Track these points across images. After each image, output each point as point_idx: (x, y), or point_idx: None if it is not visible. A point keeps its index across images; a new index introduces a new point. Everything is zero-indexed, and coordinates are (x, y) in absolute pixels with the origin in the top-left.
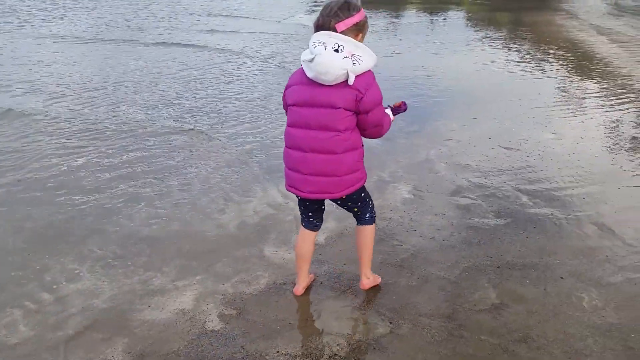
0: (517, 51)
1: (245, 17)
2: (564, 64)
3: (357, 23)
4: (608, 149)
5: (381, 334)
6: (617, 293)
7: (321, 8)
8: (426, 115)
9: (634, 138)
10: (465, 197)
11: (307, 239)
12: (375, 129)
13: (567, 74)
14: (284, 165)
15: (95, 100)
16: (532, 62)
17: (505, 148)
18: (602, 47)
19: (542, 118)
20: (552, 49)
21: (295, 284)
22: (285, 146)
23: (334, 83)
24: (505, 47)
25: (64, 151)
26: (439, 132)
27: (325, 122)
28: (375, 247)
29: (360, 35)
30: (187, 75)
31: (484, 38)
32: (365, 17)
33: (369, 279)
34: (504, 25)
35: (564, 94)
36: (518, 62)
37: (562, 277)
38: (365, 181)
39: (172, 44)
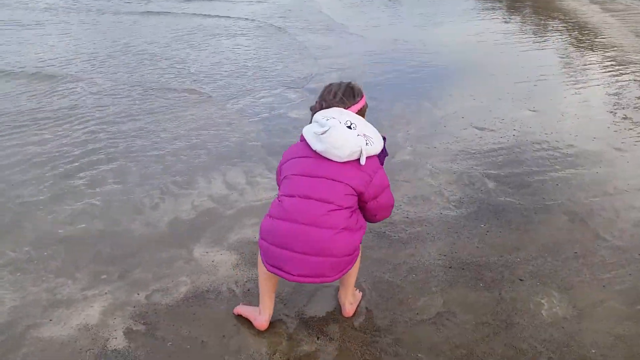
0: (505, 22)
1: None
2: (553, 35)
3: (360, 109)
4: (590, 127)
5: (305, 352)
6: (581, 297)
7: (321, 91)
8: (399, 92)
9: (620, 115)
10: (427, 184)
11: None
12: (389, 210)
13: (554, 45)
14: (258, 238)
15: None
16: (520, 33)
17: (478, 128)
18: (594, 16)
19: (522, 94)
20: (541, 19)
21: (257, 314)
22: (271, 217)
23: (346, 160)
24: (494, 18)
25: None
26: (410, 111)
27: (328, 194)
28: None
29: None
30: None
31: (472, 9)
32: (366, 102)
33: (352, 304)
34: None
35: (548, 67)
36: (505, 34)
37: (521, 279)
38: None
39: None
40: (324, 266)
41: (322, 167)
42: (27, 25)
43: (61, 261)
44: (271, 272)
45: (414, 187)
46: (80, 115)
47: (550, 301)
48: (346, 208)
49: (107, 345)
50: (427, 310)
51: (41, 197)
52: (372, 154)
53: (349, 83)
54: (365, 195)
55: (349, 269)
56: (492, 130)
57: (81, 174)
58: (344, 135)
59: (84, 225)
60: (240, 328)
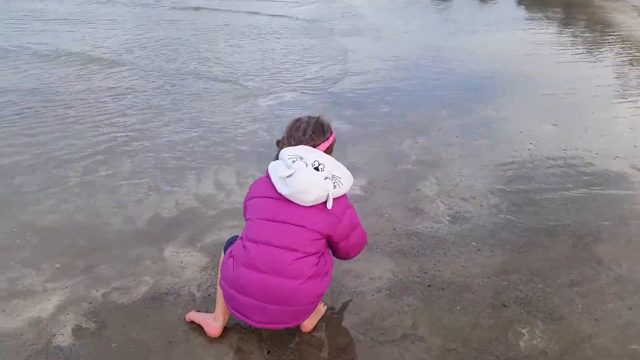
0: (542, 33)
1: None
2: (591, 47)
3: (329, 146)
4: (614, 146)
5: None
6: (568, 330)
7: (289, 126)
8: (417, 99)
9: None
10: (423, 196)
11: None
12: (361, 246)
13: (591, 58)
14: (219, 276)
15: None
16: (556, 44)
17: (491, 140)
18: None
19: (546, 107)
20: (582, 31)
21: (212, 319)
22: (234, 260)
23: (311, 204)
24: (531, 28)
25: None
26: (424, 120)
27: (293, 241)
28: None
29: (332, 156)
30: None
31: (512, 19)
32: (335, 137)
33: (311, 319)
34: (536, 5)
35: (581, 80)
36: (540, 44)
37: (505, 305)
38: None
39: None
40: (287, 314)
41: (287, 211)
42: (70, 14)
43: (32, 251)
44: (231, 313)
45: (410, 198)
46: (93, 103)
47: (531, 332)
48: (313, 254)
49: (52, 341)
50: (393, 331)
51: (31, 185)
52: (339, 196)
53: (318, 119)
54: (334, 237)
55: (313, 311)
56: (507, 143)
57: (75, 164)
58: (310, 179)
59: (64, 216)
60: (190, 335)
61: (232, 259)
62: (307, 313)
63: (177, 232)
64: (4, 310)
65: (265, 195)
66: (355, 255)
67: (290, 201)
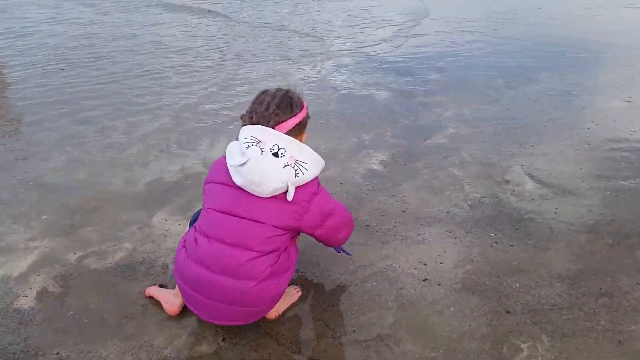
0: None
1: None
2: None
3: (299, 122)
4: None
5: (200, 352)
6: (578, 352)
7: (253, 99)
8: (472, 66)
9: None
10: (449, 175)
11: None
12: (347, 227)
13: None
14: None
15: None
16: None
17: (546, 116)
18: None
19: (622, 80)
20: None
21: (171, 297)
22: (187, 253)
23: (271, 195)
24: None
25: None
26: (474, 89)
27: (247, 238)
28: None
29: (303, 135)
30: None
31: None
32: (307, 112)
33: (279, 305)
34: None
35: None
36: (635, 8)
37: (509, 312)
38: None
39: None
40: (241, 314)
41: (243, 202)
42: None
43: (27, 207)
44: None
45: (432, 177)
46: (137, 57)
47: (533, 347)
48: (271, 252)
49: (14, 303)
50: (369, 329)
51: (48, 141)
52: (305, 182)
53: (287, 92)
54: (302, 228)
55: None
56: (564, 120)
57: (97, 123)
58: (265, 170)
59: (69, 174)
60: (148, 311)
61: (184, 249)
62: (265, 312)
63: (173, 197)
64: None
65: (222, 182)
66: (347, 236)
67: (246, 191)
